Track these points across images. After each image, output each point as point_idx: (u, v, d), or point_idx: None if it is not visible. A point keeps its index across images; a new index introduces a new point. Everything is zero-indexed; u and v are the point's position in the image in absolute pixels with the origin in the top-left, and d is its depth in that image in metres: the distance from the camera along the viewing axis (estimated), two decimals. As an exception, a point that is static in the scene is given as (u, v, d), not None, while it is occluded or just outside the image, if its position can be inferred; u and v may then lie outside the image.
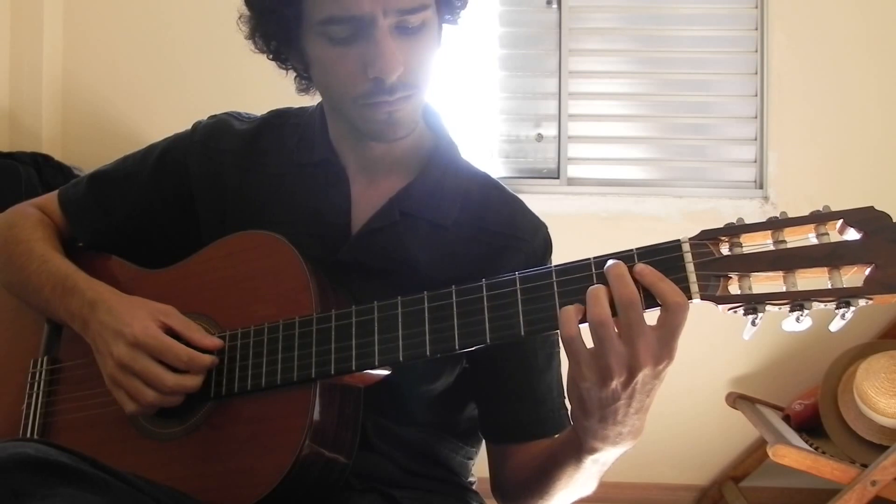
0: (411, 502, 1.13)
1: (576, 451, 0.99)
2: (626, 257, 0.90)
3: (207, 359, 1.07)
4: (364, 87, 1.05)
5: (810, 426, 2.72)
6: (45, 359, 1.23)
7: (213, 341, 1.09)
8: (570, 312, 0.88)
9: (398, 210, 1.17)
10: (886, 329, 2.90)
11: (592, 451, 0.97)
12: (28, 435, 1.19)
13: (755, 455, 2.96)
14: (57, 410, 1.20)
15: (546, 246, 1.22)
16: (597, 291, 0.87)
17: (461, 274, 1.12)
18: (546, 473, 1.08)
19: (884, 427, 2.44)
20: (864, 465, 2.34)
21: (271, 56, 1.17)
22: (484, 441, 1.25)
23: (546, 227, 1.23)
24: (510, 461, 1.18)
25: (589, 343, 0.87)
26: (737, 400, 2.88)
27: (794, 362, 2.95)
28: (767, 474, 2.97)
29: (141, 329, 1.06)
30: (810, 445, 2.52)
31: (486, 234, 1.18)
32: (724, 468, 3.05)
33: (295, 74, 1.18)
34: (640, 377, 0.86)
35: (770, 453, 2.36)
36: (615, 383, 0.87)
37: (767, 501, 2.99)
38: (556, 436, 1.13)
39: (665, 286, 0.86)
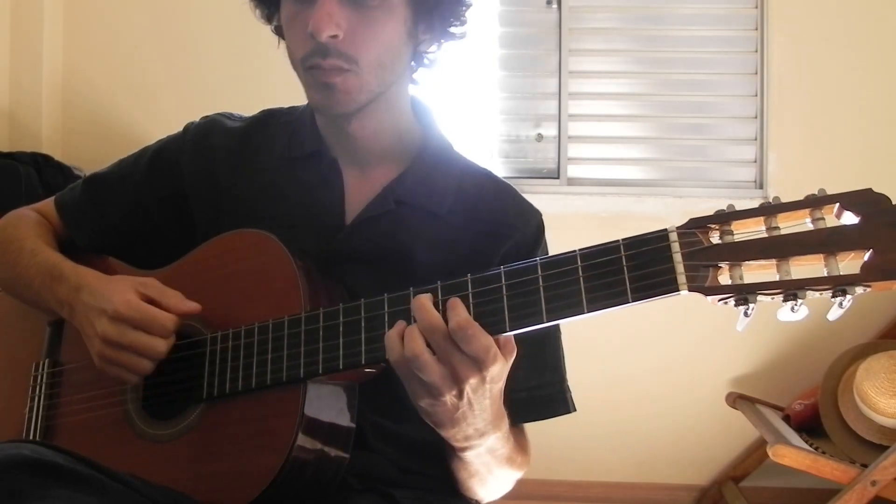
0: (410, 502, 1.13)
1: (452, 451, 1.05)
2: (613, 248, 0.88)
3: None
4: (306, 48, 1.07)
5: (810, 426, 2.71)
6: (45, 362, 1.24)
7: (191, 306, 1.10)
8: (393, 339, 0.93)
9: (393, 198, 1.17)
10: (886, 329, 2.90)
11: (463, 450, 1.02)
12: (31, 438, 1.20)
13: (755, 455, 2.96)
14: (59, 413, 1.20)
15: (538, 233, 1.21)
16: (409, 330, 0.92)
17: (455, 262, 1.13)
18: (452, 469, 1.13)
19: (884, 427, 2.43)
20: (864, 465, 2.33)
21: (273, 28, 1.21)
22: None
23: (540, 215, 1.23)
24: None
25: None
26: (737, 400, 2.87)
27: (794, 362, 2.95)
28: (767, 474, 2.97)
29: (122, 302, 1.07)
30: (810, 445, 2.51)
31: (479, 222, 1.18)
32: (724, 468, 3.04)
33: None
34: (468, 387, 0.91)
35: (770, 453, 2.35)
36: (447, 397, 0.92)
37: (767, 501, 2.99)
38: None
39: (449, 314, 0.91)
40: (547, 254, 1.22)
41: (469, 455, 1.03)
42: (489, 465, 1.08)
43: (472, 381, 0.90)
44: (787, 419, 2.76)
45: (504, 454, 1.07)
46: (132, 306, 1.06)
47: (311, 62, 1.07)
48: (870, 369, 2.49)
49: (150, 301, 1.08)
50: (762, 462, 2.91)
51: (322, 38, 1.04)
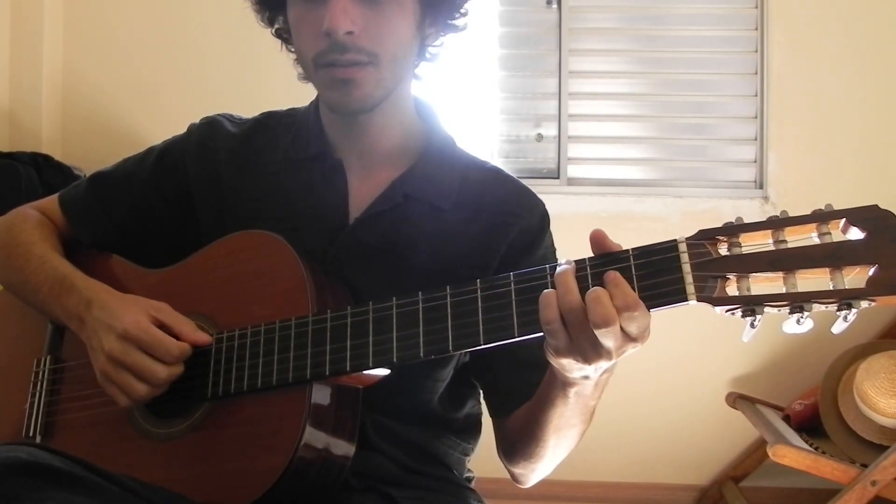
0: (410, 502, 1.13)
1: (561, 387, 1.00)
2: (622, 258, 0.89)
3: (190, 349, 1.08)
4: (320, 46, 1.08)
5: (810, 426, 2.72)
6: (47, 358, 1.24)
7: (202, 337, 1.09)
8: (550, 297, 0.89)
9: (401, 193, 1.18)
10: (886, 329, 2.90)
11: (574, 384, 0.98)
12: (30, 434, 1.20)
13: (755, 455, 2.96)
14: (59, 410, 1.20)
15: (543, 221, 1.22)
16: (566, 277, 0.89)
17: (461, 254, 1.15)
18: (536, 417, 1.09)
19: (884, 427, 2.44)
20: (864, 465, 2.33)
21: (273, 31, 1.21)
22: (491, 417, 1.23)
23: (544, 205, 1.23)
24: (513, 421, 1.18)
25: None
26: (737, 400, 2.88)
27: (794, 362, 2.95)
28: (767, 474, 2.97)
29: (132, 323, 1.06)
30: (810, 445, 2.52)
31: (484, 213, 1.19)
32: (724, 468, 3.04)
33: (294, 57, 1.20)
34: (614, 355, 0.89)
35: (770, 453, 2.36)
36: (587, 363, 0.89)
37: (767, 501, 2.99)
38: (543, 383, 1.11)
39: (615, 292, 0.87)
40: (552, 246, 1.23)
41: (572, 392, 1.00)
42: (574, 416, 1.06)
43: (615, 356, 0.89)
44: (787, 419, 2.77)
45: (586, 409, 1.05)
46: (141, 327, 1.06)
47: (328, 59, 1.07)
48: (870, 369, 2.49)
49: (162, 326, 1.08)
50: (762, 462, 2.91)
51: (339, 34, 1.05)
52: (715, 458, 3.05)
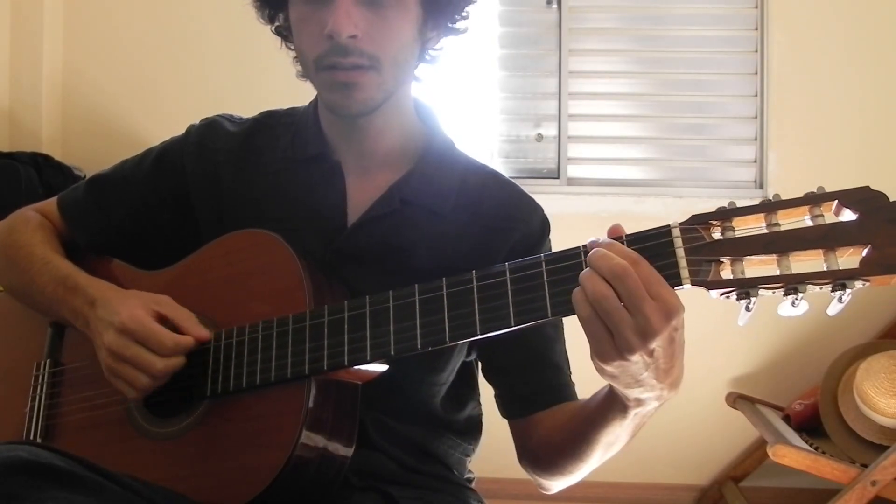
0: (410, 501, 1.13)
1: (621, 410, 0.96)
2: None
3: (193, 342, 1.07)
4: (322, 48, 1.07)
5: (810, 426, 2.71)
6: (47, 361, 1.24)
7: (202, 332, 1.09)
8: (580, 294, 0.85)
9: (399, 198, 1.17)
10: (886, 329, 2.90)
11: (638, 405, 0.94)
12: (31, 437, 1.19)
13: (755, 455, 2.96)
14: (60, 413, 1.20)
15: (543, 226, 1.21)
16: (588, 272, 0.85)
17: (459, 258, 1.13)
18: (585, 436, 1.05)
19: (884, 427, 2.44)
20: (864, 465, 2.33)
21: (273, 29, 1.21)
22: (508, 419, 1.22)
23: (543, 210, 1.23)
24: (538, 428, 1.16)
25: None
26: (737, 400, 2.88)
27: (794, 362, 2.95)
28: (767, 474, 2.97)
29: (128, 316, 1.06)
30: (810, 445, 2.52)
31: (483, 217, 1.18)
32: (724, 468, 3.04)
33: (294, 55, 1.20)
34: (658, 340, 0.83)
35: (770, 453, 2.35)
36: (637, 355, 0.84)
37: (767, 501, 2.99)
38: (594, 402, 1.06)
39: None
40: (551, 251, 1.22)
41: (631, 413, 0.96)
42: (627, 434, 1.02)
43: (664, 335, 0.83)
44: (787, 419, 2.77)
45: (640, 426, 1.01)
46: (136, 320, 1.06)
47: (330, 61, 1.07)
48: (870, 369, 2.49)
49: (163, 318, 1.08)
50: (762, 462, 2.91)
51: (342, 38, 1.05)
52: (715, 458, 3.05)
